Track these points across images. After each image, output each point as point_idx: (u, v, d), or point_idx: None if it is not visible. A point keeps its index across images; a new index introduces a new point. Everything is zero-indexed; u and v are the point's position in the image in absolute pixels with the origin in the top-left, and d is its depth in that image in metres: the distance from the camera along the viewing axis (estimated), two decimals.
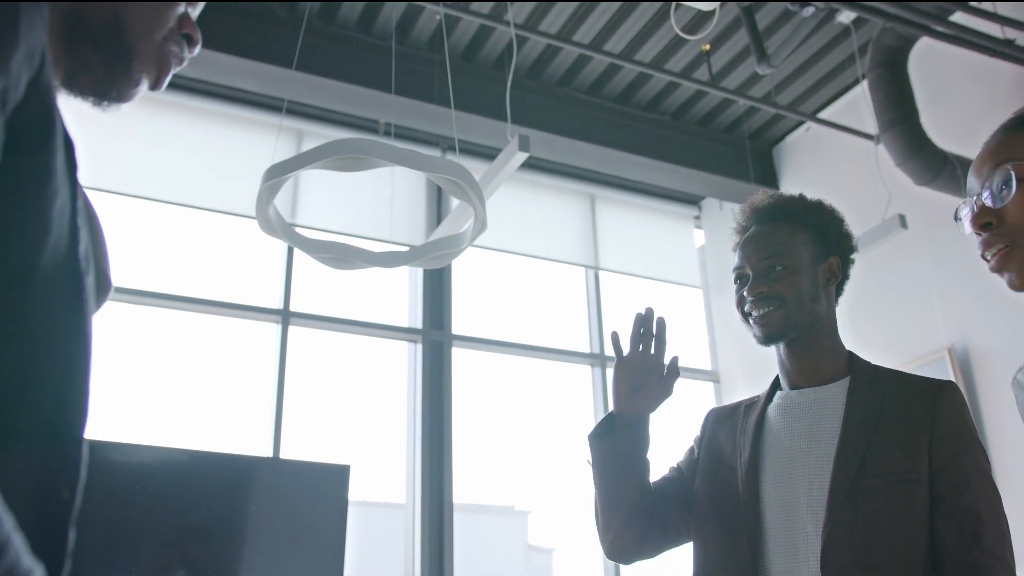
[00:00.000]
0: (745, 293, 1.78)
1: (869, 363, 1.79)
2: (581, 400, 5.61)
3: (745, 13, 3.75)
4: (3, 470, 0.56)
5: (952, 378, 4.29)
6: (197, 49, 1.03)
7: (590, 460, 1.84)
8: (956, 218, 1.30)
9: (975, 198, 1.24)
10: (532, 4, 4.63)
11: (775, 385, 1.85)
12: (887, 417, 1.63)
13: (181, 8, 0.99)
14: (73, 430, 0.67)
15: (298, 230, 4.68)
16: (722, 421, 1.89)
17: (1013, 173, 1.18)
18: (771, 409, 1.79)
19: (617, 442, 1.81)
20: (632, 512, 1.81)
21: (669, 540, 1.87)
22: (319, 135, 5.12)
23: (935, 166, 4.34)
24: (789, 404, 1.76)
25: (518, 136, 3.52)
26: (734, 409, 1.89)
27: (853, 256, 1.86)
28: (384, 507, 5.13)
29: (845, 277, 1.85)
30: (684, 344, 5.86)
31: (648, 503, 1.82)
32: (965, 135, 4.56)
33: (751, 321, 1.78)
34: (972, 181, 1.27)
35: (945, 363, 4.45)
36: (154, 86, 0.98)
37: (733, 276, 1.84)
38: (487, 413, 5.39)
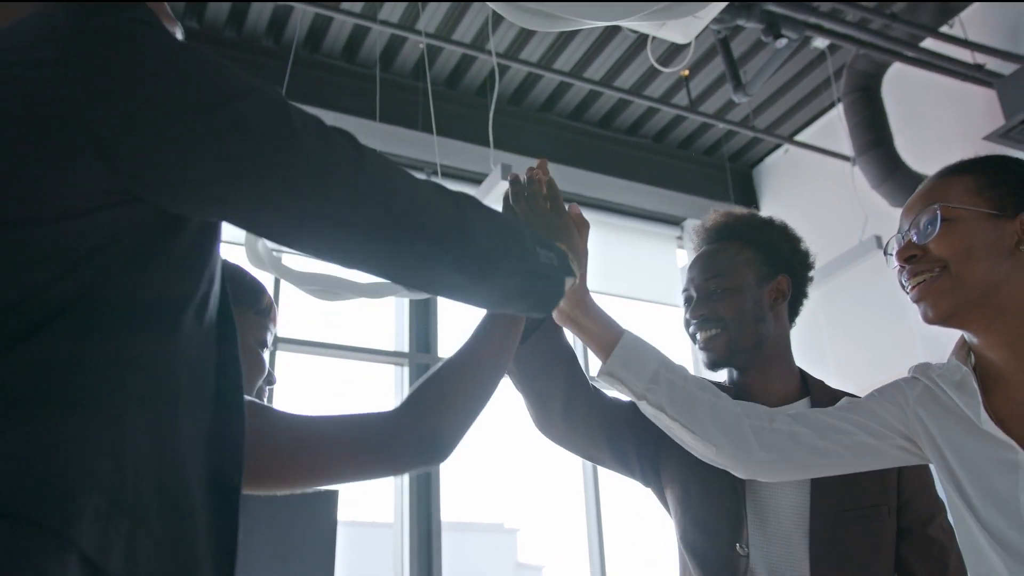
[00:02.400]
0: (688, 316, 1.76)
1: (824, 384, 1.78)
2: None
3: (721, 44, 3.84)
4: (183, 453, 0.82)
5: None
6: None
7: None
8: (886, 253, 1.39)
9: (903, 234, 1.34)
10: (513, 33, 4.71)
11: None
12: None
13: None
14: (236, 421, 0.90)
15: (285, 257, 4.71)
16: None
17: (939, 213, 1.27)
18: None
19: (533, 349, 1.65)
20: (567, 402, 1.68)
21: (623, 464, 1.78)
22: None
23: (910, 188, 4.40)
24: None
25: (500, 165, 3.60)
26: None
27: (810, 274, 1.83)
28: (372, 527, 5.17)
29: (800, 295, 1.82)
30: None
31: (583, 392, 1.69)
32: (939, 158, 4.62)
33: (697, 345, 1.76)
34: (903, 220, 1.36)
35: None
36: None
37: (682, 296, 1.81)
38: (475, 432, 5.43)
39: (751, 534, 1.64)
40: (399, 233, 0.92)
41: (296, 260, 2.82)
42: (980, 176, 1.32)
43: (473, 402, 1.31)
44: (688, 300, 1.78)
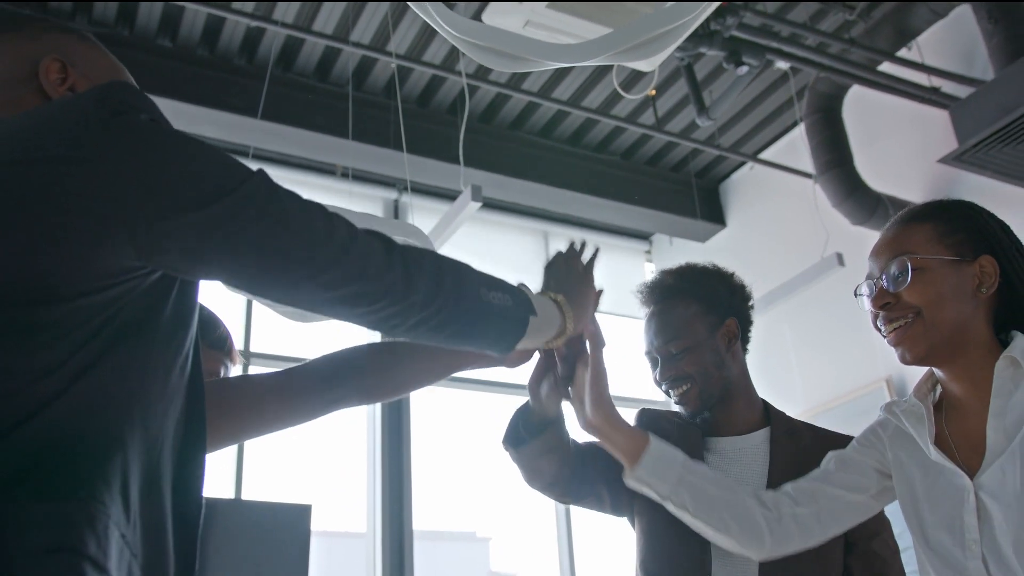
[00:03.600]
0: (658, 376, 1.89)
1: (784, 414, 1.92)
2: None
3: (686, 70, 3.94)
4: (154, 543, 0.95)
5: None
6: None
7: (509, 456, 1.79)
8: (856, 294, 1.51)
9: (874, 281, 1.45)
10: None
11: (697, 426, 1.91)
12: (806, 469, 1.73)
13: None
14: (198, 467, 1.05)
15: None
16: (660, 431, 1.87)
17: (909, 264, 1.40)
18: (708, 457, 1.86)
19: (537, 445, 1.74)
20: (556, 476, 1.79)
21: (595, 503, 1.91)
22: (278, 178, 5.25)
23: (869, 206, 4.56)
24: (715, 450, 1.87)
25: (471, 187, 3.66)
26: (668, 421, 1.94)
27: (750, 304, 1.97)
28: (345, 536, 5.22)
29: (747, 327, 1.95)
30: (638, 376, 6.01)
31: (568, 464, 1.80)
32: (897, 177, 4.79)
33: (671, 399, 1.89)
34: (872, 265, 1.48)
35: (883, 392, 4.66)
36: None
37: (645, 356, 1.93)
38: (447, 445, 5.50)
39: (714, 559, 1.75)
40: (361, 288, 1.07)
41: None
42: (939, 223, 1.44)
43: (412, 381, 1.49)
44: (654, 362, 1.90)
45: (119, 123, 0.95)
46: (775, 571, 1.70)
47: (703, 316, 1.89)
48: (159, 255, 0.95)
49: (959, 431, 1.42)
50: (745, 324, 1.95)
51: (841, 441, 1.84)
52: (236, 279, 1.03)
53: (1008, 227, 1.47)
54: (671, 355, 1.86)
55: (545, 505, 5.52)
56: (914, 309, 1.40)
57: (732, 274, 1.99)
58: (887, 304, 1.42)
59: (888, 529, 1.80)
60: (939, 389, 1.49)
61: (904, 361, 1.43)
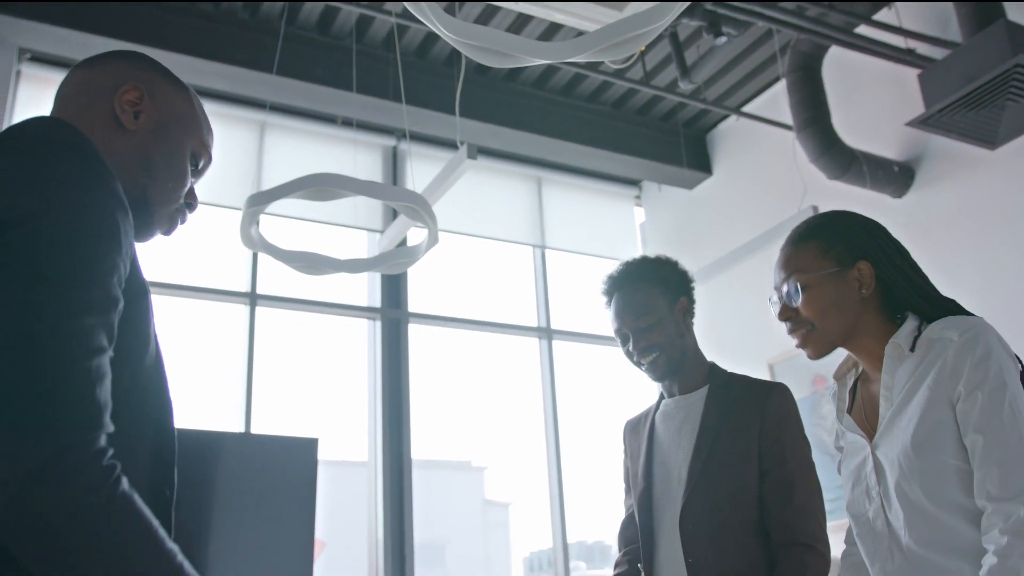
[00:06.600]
0: (631, 348, 2.24)
1: (725, 371, 2.28)
2: (530, 369, 6.07)
3: (671, 38, 4.11)
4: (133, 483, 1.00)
5: None
6: (196, 210, 1.41)
7: None
8: (770, 301, 1.80)
9: (778, 295, 1.75)
10: (477, 10, 4.95)
11: (661, 396, 2.33)
12: (732, 414, 2.15)
13: (188, 185, 1.37)
14: (167, 452, 1.17)
15: (266, 219, 5.00)
16: (632, 431, 2.38)
17: (799, 284, 1.69)
18: (657, 416, 2.30)
19: None
20: None
21: None
22: (286, 127, 5.49)
23: (844, 162, 4.78)
24: (665, 411, 2.28)
25: (467, 145, 3.88)
26: (642, 416, 2.38)
27: (693, 285, 2.34)
28: (347, 465, 5.50)
29: (693, 304, 2.32)
30: None
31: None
32: (872, 135, 5.01)
33: (642, 368, 2.25)
34: (775, 276, 1.77)
35: None
36: (165, 235, 1.38)
37: (615, 335, 2.28)
38: (444, 382, 5.77)
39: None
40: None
41: (283, 240, 3.13)
42: (820, 241, 1.73)
43: None
44: (624, 338, 2.26)
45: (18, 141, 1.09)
46: (694, 508, 2.09)
47: (663, 295, 2.25)
48: None
49: (869, 400, 1.74)
50: (691, 302, 2.32)
51: (763, 387, 2.21)
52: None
53: (876, 230, 1.75)
54: (640, 329, 2.22)
55: (537, 437, 5.84)
56: (809, 323, 1.70)
57: (677, 262, 2.35)
58: (789, 318, 1.73)
59: (797, 454, 2.12)
60: (860, 366, 1.80)
61: (811, 358, 1.75)
